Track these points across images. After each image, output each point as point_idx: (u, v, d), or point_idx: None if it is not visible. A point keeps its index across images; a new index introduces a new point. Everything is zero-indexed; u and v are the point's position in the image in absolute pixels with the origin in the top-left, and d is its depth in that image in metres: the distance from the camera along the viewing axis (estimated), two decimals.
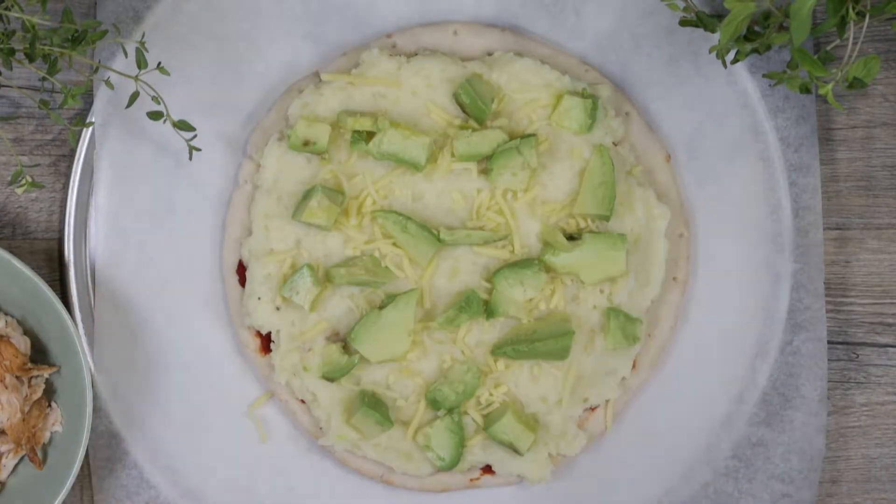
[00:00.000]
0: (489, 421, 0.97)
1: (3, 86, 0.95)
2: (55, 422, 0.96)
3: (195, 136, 0.94)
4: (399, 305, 0.96)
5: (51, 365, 0.95)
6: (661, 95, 1.02)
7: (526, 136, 0.97)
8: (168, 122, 0.91)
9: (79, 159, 0.99)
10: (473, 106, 0.97)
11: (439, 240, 0.96)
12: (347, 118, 0.97)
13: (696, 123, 1.01)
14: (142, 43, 0.90)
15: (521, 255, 0.97)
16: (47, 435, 0.96)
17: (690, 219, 1.01)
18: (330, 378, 0.96)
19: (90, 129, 0.99)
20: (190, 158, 0.94)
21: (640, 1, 1.00)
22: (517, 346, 0.96)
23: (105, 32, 0.91)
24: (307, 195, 0.97)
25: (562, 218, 0.97)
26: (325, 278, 0.97)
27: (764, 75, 0.96)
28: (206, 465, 0.99)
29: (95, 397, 0.98)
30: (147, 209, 1.00)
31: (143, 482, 0.99)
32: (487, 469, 0.99)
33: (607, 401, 1.00)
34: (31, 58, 0.88)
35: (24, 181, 0.93)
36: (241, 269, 1.00)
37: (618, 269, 0.97)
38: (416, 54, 0.99)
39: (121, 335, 0.99)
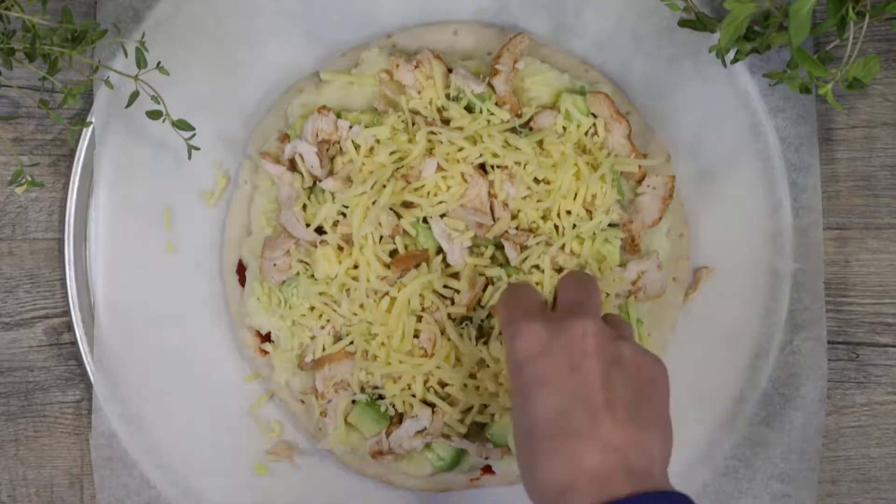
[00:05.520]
0: (489, 422, 0.97)
1: (3, 86, 0.95)
2: None
3: (194, 135, 0.94)
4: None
5: None
6: (661, 95, 1.02)
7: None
8: (167, 122, 0.92)
9: (79, 159, 1.00)
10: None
11: None
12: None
13: (696, 123, 1.01)
14: (142, 43, 0.90)
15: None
16: None
17: (690, 219, 1.01)
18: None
19: (90, 128, 0.99)
20: (189, 157, 0.94)
21: (640, 1, 1.01)
22: None
23: (105, 32, 0.91)
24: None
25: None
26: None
27: (764, 75, 0.97)
28: (207, 465, 0.99)
29: (95, 397, 0.98)
30: (147, 209, 1.00)
31: (143, 482, 0.99)
32: (487, 469, 0.99)
33: None
34: (31, 57, 0.88)
35: (23, 181, 0.93)
36: (241, 269, 1.00)
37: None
38: (417, 54, 0.98)
39: (121, 335, 0.99)
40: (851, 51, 0.88)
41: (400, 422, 0.96)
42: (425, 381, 0.95)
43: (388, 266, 0.94)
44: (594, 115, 0.98)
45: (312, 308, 0.96)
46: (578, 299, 0.79)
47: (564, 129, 0.98)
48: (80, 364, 1.00)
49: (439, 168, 0.95)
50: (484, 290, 0.96)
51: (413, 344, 0.95)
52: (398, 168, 0.95)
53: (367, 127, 0.97)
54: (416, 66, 0.97)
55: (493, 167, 0.96)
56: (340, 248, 0.95)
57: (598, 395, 0.74)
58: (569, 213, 0.96)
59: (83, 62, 0.95)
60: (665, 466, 0.76)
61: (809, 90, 0.93)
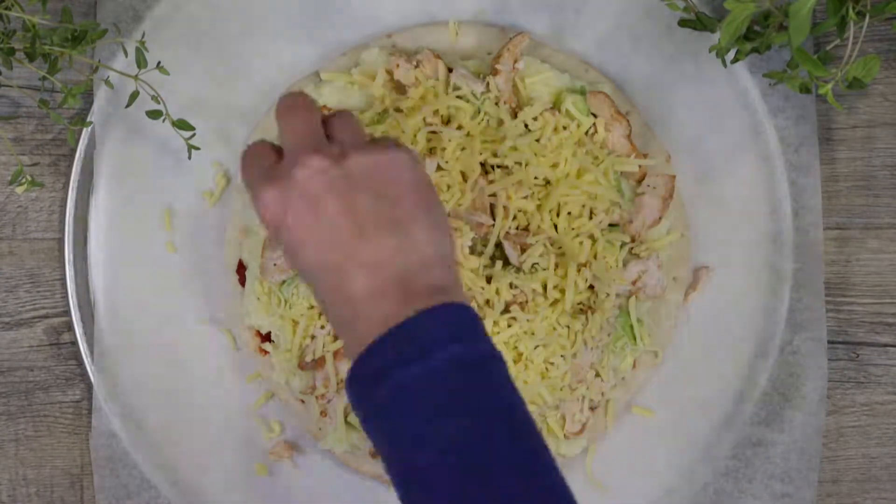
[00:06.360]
0: None
1: (3, 86, 0.95)
2: None
3: (194, 134, 0.94)
4: None
5: None
6: (661, 95, 1.02)
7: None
8: (167, 122, 0.92)
9: (79, 159, 1.00)
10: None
11: None
12: None
13: (696, 123, 1.01)
14: (142, 42, 0.90)
15: None
16: None
17: (690, 219, 1.01)
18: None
19: (90, 128, 0.99)
20: (189, 157, 0.94)
21: (640, 1, 1.01)
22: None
23: (105, 32, 0.91)
24: None
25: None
26: None
27: (764, 75, 0.97)
28: (207, 465, 0.99)
29: (95, 397, 0.98)
30: (147, 209, 1.00)
31: (144, 482, 0.99)
32: None
33: (608, 401, 1.00)
34: (31, 57, 0.88)
35: (23, 181, 0.93)
36: (241, 269, 1.00)
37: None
38: (417, 54, 0.98)
39: (121, 335, 0.99)
40: (851, 51, 0.88)
41: None
42: None
43: None
44: (594, 115, 0.98)
45: (312, 307, 0.96)
46: (297, 138, 0.75)
47: (565, 128, 0.98)
48: (80, 364, 1.00)
49: (439, 168, 0.95)
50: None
51: None
52: None
53: (367, 127, 0.97)
54: (416, 66, 0.97)
55: (493, 167, 0.96)
56: None
57: (344, 228, 0.71)
58: (569, 213, 0.96)
59: (83, 62, 0.95)
60: (445, 258, 0.73)
61: (809, 90, 0.93)
